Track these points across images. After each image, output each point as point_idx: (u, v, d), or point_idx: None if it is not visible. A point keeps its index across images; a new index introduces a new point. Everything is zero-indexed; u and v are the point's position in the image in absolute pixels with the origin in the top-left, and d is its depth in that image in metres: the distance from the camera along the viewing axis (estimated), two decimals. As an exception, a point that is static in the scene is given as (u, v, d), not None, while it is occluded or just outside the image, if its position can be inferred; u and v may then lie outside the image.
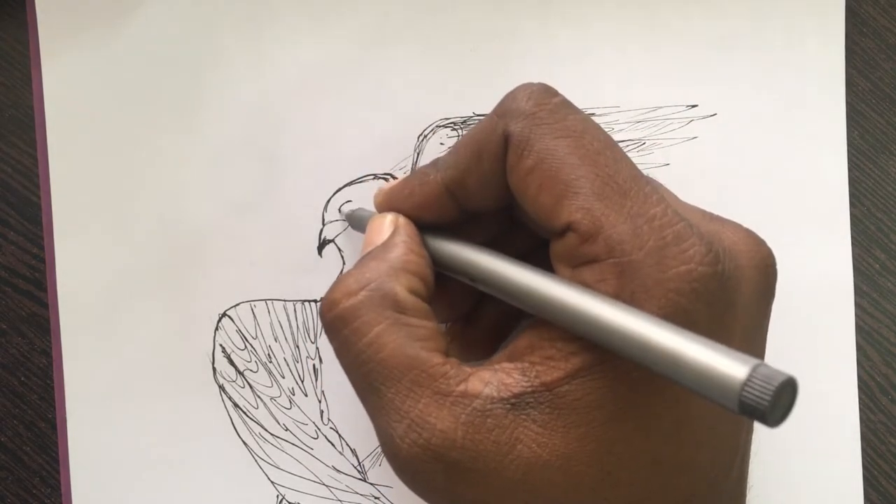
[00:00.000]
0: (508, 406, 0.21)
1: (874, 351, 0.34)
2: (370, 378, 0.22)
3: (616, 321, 0.20)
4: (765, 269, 0.23)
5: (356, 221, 0.31)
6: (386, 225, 0.26)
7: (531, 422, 0.21)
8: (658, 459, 0.22)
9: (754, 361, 0.18)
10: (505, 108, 0.24)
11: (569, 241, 0.22)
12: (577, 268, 0.22)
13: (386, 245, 0.25)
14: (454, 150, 0.25)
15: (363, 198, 0.33)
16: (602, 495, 0.21)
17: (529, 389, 0.21)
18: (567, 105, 0.24)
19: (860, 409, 0.33)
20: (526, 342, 0.22)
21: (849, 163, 0.34)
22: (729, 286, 0.21)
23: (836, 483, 0.33)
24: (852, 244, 0.34)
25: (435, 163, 0.26)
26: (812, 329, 0.33)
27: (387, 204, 0.27)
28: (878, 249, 0.34)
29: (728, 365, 0.18)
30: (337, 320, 0.23)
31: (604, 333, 0.20)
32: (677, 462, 0.22)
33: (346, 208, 0.32)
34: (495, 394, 0.21)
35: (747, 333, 0.23)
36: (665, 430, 0.22)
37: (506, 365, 0.22)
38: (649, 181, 0.23)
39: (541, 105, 0.23)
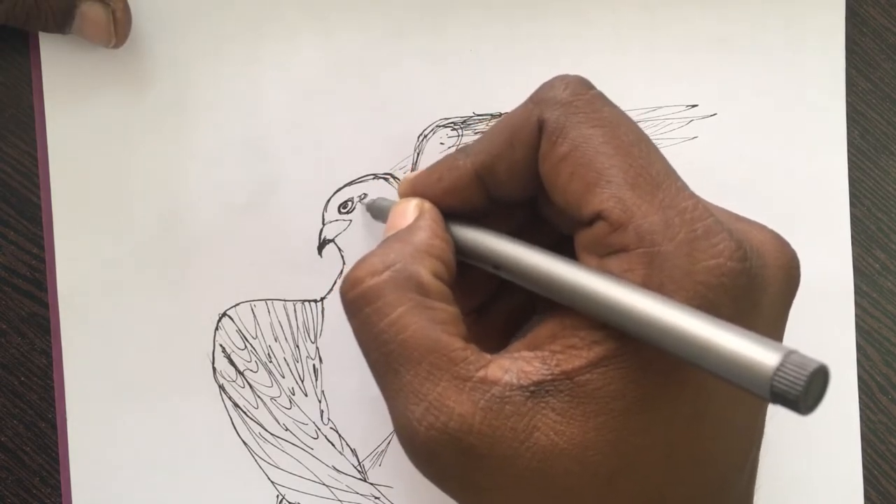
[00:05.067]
0: (527, 394, 0.21)
1: (874, 351, 0.34)
2: (390, 359, 0.22)
3: (647, 308, 0.20)
4: (789, 271, 0.24)
5: (377, 211, 0.31)
6: (411, 209, 0.26)
7: (549, 410, 0.21)
8: (675, 452, 0.22)
9: (786, 348, 0.18)
10: (541, 97, 0.24)
11: (597, 230, 0.22)
12: (604, 257, 0.22)
13: (410, 228, 0.25)
14: (486, 137, 0.25)
15: (363, 196, 0.33)
16: (617, 486, 0.21)
17: (549, 377, 0.21)
18: (603, 97, 0.24)
19: (860, 409, 0.33)
20: (547, 331, 0.22)
21: (849, 163, 0.34)
22: (755, 284, 0.22)
23: (836, 483, 0.33)
24: (852, 244, 0.34)
25: (465, 149, 0.26)
26: (812, 329, 0.33)
27: (413, 190, 0.27)
28: (879, 249, 0.34)
29: (760, 352, 0.18)
30: (359, 299, 0.23)
31: (634, 321, 0.20)
32: (693, 455, 0.22)
33: (367, 200, 0.32)
34: (514, 381, 0.21)
35: (769, 332, 0.23)
36: (683, 423, 0.22)
37: (525, 353, 0.22)
38: (680, 177, 0.23)
39: (577, 95, 0.23)
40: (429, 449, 0.22)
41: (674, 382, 0.21)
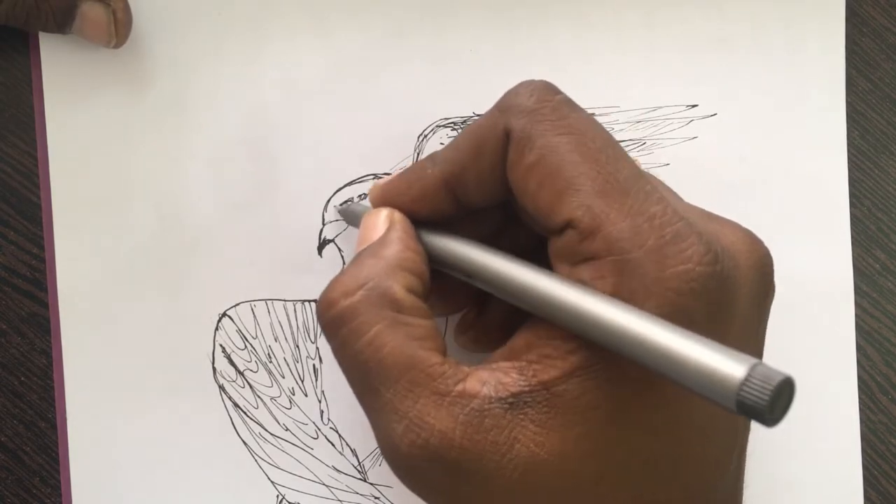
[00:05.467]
0: (506, 406, 0.21)
1: (874, 351, 0.34)
2: (369, 378, 0.22)
3: (614, 319, 0.20)
4: (762, 269, 0.23)
5: (350, 216, 0.31)
6: (381, 221, 0.26)
7: (529, 421, 0.21)
8: (655, 458, 0.22)
9: (752, 361, 0.18)
10: (507, 104, 0.24)
11: (568, 239, 0.22)
12: (575, 265, 0.22)
13: (382, 241, 0.25)
14: (453, 145, 0.25)
15: (363, 196, 0.33)
16: (601, 494, 0.21)
17: (527, 388, 0.21)
18: (569, 102, 0.24)
19: (860, 409, 0.33)
20: (523, 341, 0.22)
21: (849, 163, 0.34)
22: (727, 286, 0.21)
23: (836, 483, 0.33)
24: (852, 244, 0.34)
25: (433, 157, 0.26)
26: (812, 329, 0.33)
27: (382, 198, 0.27)
28: (879, 249, 0.34)
29: (726, 364, 0.18)
30: (335, 320, 0.23)
31: (601, 332, 0.20)
32: (675, 461, 0.22)
33: (339, 204, 0.32)
34: (493, 393, 0.21)
35: (745, 333, 0.23)
36: (662, 429, 0.22)
37: (503, 364, 0.22)
38: (649, 180, 0.23)
39: (543, 102, 0.23)
40: (412, 465, 0.22)
41: (650, 389, 0.21)
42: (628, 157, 0.23)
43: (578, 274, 0.22)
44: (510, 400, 0.21)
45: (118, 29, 0.30)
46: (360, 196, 0.32)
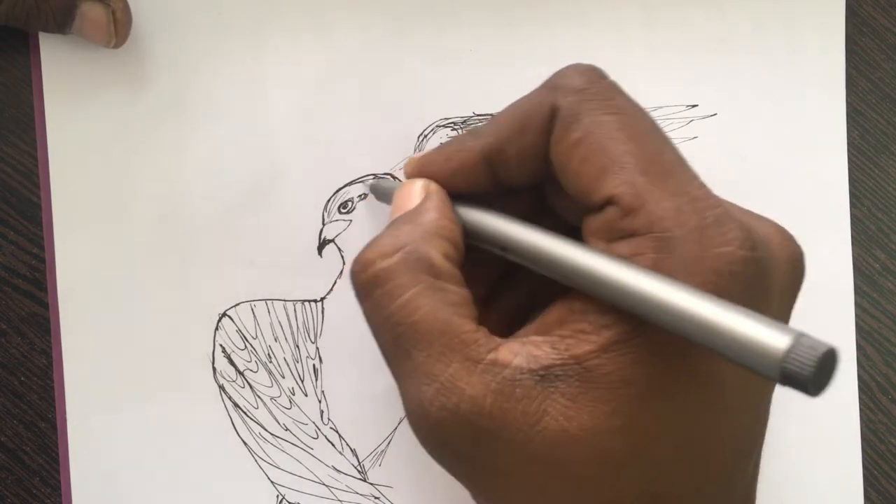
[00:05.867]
0: (537, 378, 0.21)
1: (874, 351, 0.34)
2: (401, 341, 0.22)
3: (658, 290, 0.20)
4: (795, 263, 0.24)
5: (381, 192, 0.30)
6: (417, 190, 0.26)
7: (559, 395, 0.21)
8: (684, 439, 0.22)
9: (796, 331, 0.18)
10: (555, 83, 0.24)
11: (608, 215, 0.22)
12: (613, 241, 0.22)
13: (418, 210, 0.25)
14: (496, 120, 0.25)
15: (363, 196, 0.33)
16: (627, 472, 0.21)
17: (559, 362, 0.21)
18: (616, 86, 0.24)
19: (860, 409, 0.33)
20: (556, 316, 0.22)
21: (849, 163, 0.34)
22: (764, 273, 0.22)
23: (836, 483, 0.33)
24: (852, 244, 0.34)
25: (474, 131, 0.26)
26: (812, 329, 0.33)
27: (419, 170, 0.27)
28: (879, 249, 0.34)
29: (771, 335, 0.18)
30: (370, 281, 0.23)
31: (644, 303, 0.20)
32: (704, 442, 0.22)
33: (371, 181, 0.32)
34: (525, 364, 0.21)
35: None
36: (694, 410, 0.22)
37: (535, 338, 0.22)
38: (691, 166, 0.23)
39: (592, 83, 0.24)
40: (440, 430, 0.22)
41: (684, 368, 0.21)
42: (672, 143, 0.23)
43: (616, 250, 0.22)
44: (541, 372, 0.21)
45: (118, 29, 0.30)
46: (359, 196, 0.32)
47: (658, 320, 0.20)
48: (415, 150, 0.33)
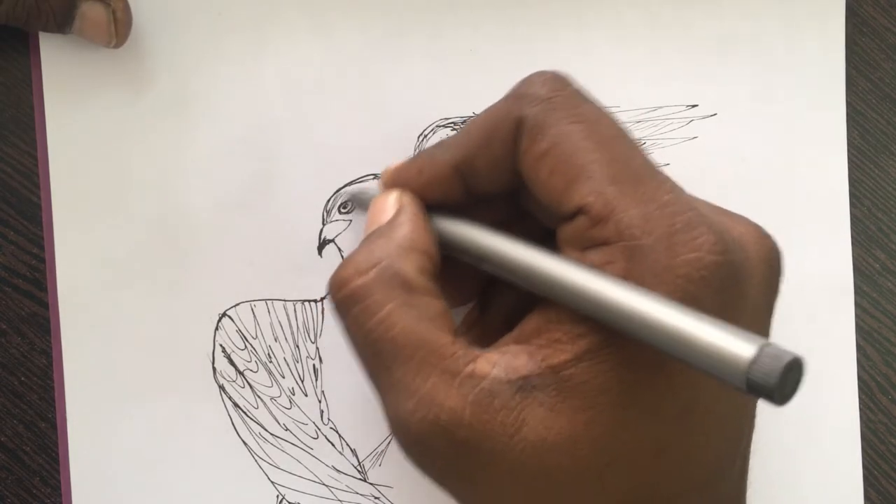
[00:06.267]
0: (515, 388, 0.21)
1: (874, 351, 0.34)
2: (380, 357, 0.23)
3: (624, 299, 0.20)
4: (771, 262, 0.24)
5: (359, 202, 0.31)
6: (390, 203, 0.26)
7: (538, 404, 0.21)
8: (663, 446, 0.22)
9: (762, 340, 0.18)
10: (520, 93, 0.24)
11: (578, 225, 0.22)
12: (585, 251, 0.22)
13: (392, 223, 0.25)
14: (464, 132, 0.25)
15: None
16: (608, 480, 0.21)
17: (536, 372, 0.21)
18: (581, 93, 0.24)
19: (860, 409, 0.33)
20: (533, 325, 0.22)
21: (849, 163, 0.34)
22: (737, 276, 0.22)
23: (836, 483, 0.33)
24: (852, 244, 0.34)
25: (442, 143, 0.26)
26: (812, 329, 0.33)
27: (394, 180, 0.27)
28: (879, 249, 0.34)
29: (736, 344, 0.18)
30: (347, 299, 0.23)
31: (611, 312, 0.20)
32: (682, 450, 0.22)
33: (349, 189, 0.32)
34: (503, 375, 0.21)
35: (754, 324, 0.23)
36: (671, 417, 0.22)
37: (513, 347, 0.22)
38: (661, 170, 0.23)
39: (556, 91, 0.24)
40: (421, 442, 0.22)
41: (660, 376, 0.21)
42: (640, 147, 0.23)
43: (588, 259, 0.22)
44: (519, 382, 0.21)
45: (118, 29, 0.30)
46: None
47: (625, 330, 0.20)
48: (415, 150, 0.33)
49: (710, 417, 0.22)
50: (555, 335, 0.22)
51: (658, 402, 0.21)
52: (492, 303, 0.28)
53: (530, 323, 0.23)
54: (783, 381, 0.17)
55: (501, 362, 0.22)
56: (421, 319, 0.22)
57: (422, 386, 0.22)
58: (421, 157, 0.27)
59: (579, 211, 0.22)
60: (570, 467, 0.21)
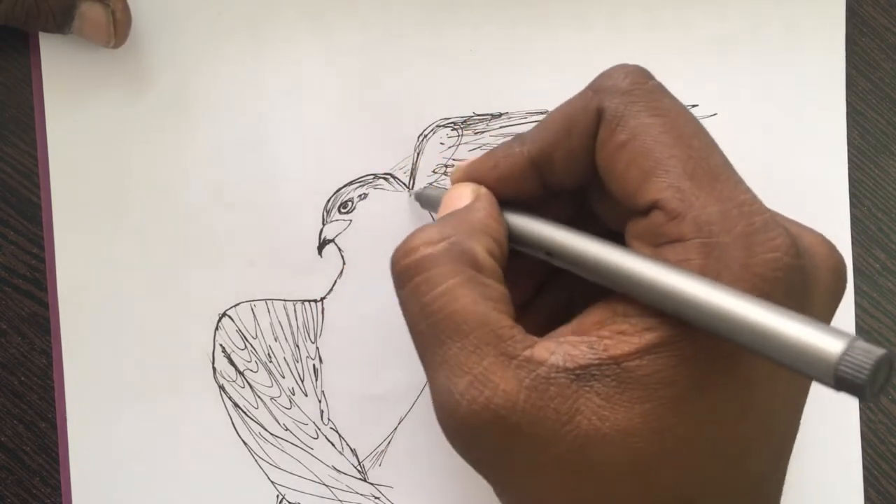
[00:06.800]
0: (573, 377, 0.21)
1: (874, 351, 0.34)
2: (436, 329, 0.22)
3: (708, 295, 0.20)
4: (838, 274, 0.24)
5: (427, 199, 0.30)
6: (468, 192, 0.26)
7: (594, 394, 0.21)
8: (718, 443, 0.21)
9: (850, 335, 0.18)
10: (600, 85, 0.24)
11: (653, 219, 0.22)
12: (659, 247, 0.22)
13: (468, 207, 0.25)
14: (542, 125, 0.25)
15: (363, 196, 0.33)
16: (657, 475, 0.21)
17: (596, 361, 0.21)
18: (662, 88, 0.24)
19: (860, 409, 0.33)
20: (595, 318, 0.22)
21: (849, 163, 0.34)
22: (808, 281, 0.22)
23: (836, 483, 0.33)
24: (853, 244, 0.34)
25: (521, 137, 0.26)
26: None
27: (468, 175, 0.27)
28: (879, 249, 0.34)
29: (824, 339, 0.18)
30: (411, 267, 0.23)
31: (694, 307, 0.20)
32: (736, 447, 0.22)
33: (416, 189, 0.32)
34: (560, 363, 0.21)
35: None
36: (730, 416, 0.21)
37: (572, 338, 0.22)
38: (736, 170, 0.23)
39: (637, 84, 0.24)
40: (470, 424, 0.21)
41: (723, 373, 0.21)
42: (718, 146, 0.23)
43: (662, 254, 0.22)
44: (577, 371, 0.21)
45: (117, 29, 0.30)
46: (359, 196, 0.33)
47: (706, 326, 0.20)
48: (415, 150, 0.33)
49: (765, 417, 0.22)
50: (620, 327, 0.21)
51: (720, 400, 0.21)
52: (530, 307, 0.28)
53: (591, 316, 0.22)
54: (873, 376, 0.17)
55: (560, 351, 0.21)
56: (484, 299, 0.22)
57: (477, 365, 0.21)
58: (496, 151, 0.26)
59: (655, 205, 0.22)
60: (621, 460, 0.21)
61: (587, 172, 0.25)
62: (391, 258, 0.24)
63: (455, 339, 0.22)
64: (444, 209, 0.26)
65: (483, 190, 0.26)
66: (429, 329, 0.22)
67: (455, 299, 0.22)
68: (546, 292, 0.28)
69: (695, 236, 0.21)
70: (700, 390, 0.21)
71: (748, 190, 0.22)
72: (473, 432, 0.22)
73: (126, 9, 0.30)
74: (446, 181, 0.33)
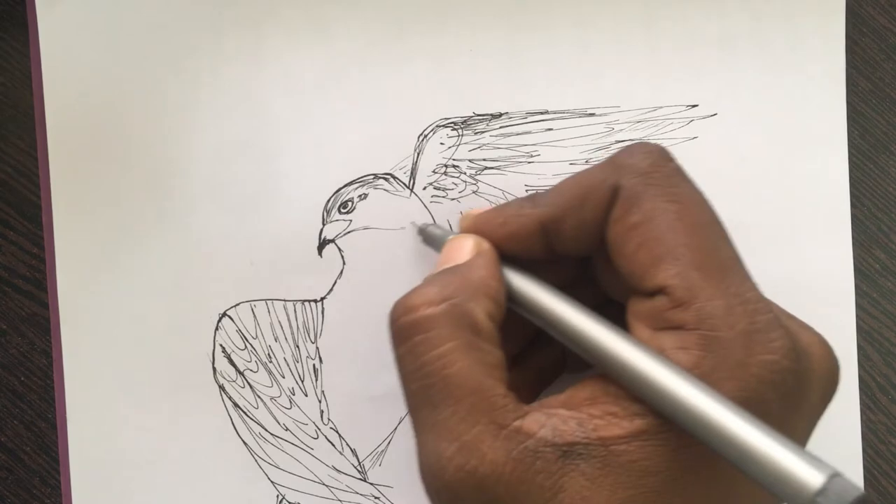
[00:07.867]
0: (559, 452, 0.21)
1: (874, 351, 0.34)
2: (430, 391, 0.22)
3: (698, 403, 0.20)
4: (831, 380, 0.24)
5: (430, 238, 0.30)
6: (470, 245, 0.26)
7: (579, 473, 0.21)
8: None
9: (830, 470, 0.18)
10: (620, 162, 0.24)
11: (657, 304, 0.22)
12: (658, 331, 0.22)
13: (469, 264, 0.25)
14: (557, 190, 0.25)
15: (363, 196, 0.33)
16: None
17: (584, 441, 0.21)
18: (681, 172, 0.24)
19: (860, 409, 0.33)
20: (587, 394, 0.22)
21: (849, 163, 0.34)
22: (803, 385, 0.22)
23: (836, 483, 0.33)
24: (853, 244, 0.34)
25: (533, 198, 0.26)
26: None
27: (474, 228, 0.27)
28: (879, 249, 0.34)
29: (805, 470, 0.18)
30: (411, 326, 0.23)
31: (682, 412, 0.20)
32: None
33: (420, 223, 0.32)
34: (549, 437, 0.21)
35: (807, 433, 0.23)
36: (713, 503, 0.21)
37: (562, 412, 0.22)
38: (745, 264, 0.23)
39: (657, 167, 0.23)
40: (454, 489, 0.21)
41: (709, 465, 0.21)
42: (730, 239, 0.23)
43: (660, 340, 0.22)
44: (564, 448, 0.21)
45: None
46: (359, 196, 0.33)
47: (693, 430, 0.20)
48: (415, 150, 0.33)
49: None
50: (611, 408, 0.21)
51: (702, 490, 0.21)
52: (524, 361, 0.28)
53: (583, 391, 0.22)
54: None
55: (549, 424, 0.21)
56: (480, 365, 0.22)
57: (467, 432, 0.21)
58: (507, 208, 0.26)
59: (660, 290, 0.22)
60: None
61: (595, 244, 0.25)
62: (390, 313, 0.24)
63: (448, 403, 0.22)
64: (445, 259, 0.26)
65: (486, 245, 0.26)
66: (422, 390, 0.22)
67: (452, 363, 0.22)
68: (540, 344, 0.29)
69: (696, 327, 0.21)
70: (683, 481, 0.21)
71: (755, 287, 0.22)
72: (457, 497, 0.22)
73: None
74: (446, 181, 0.33)
